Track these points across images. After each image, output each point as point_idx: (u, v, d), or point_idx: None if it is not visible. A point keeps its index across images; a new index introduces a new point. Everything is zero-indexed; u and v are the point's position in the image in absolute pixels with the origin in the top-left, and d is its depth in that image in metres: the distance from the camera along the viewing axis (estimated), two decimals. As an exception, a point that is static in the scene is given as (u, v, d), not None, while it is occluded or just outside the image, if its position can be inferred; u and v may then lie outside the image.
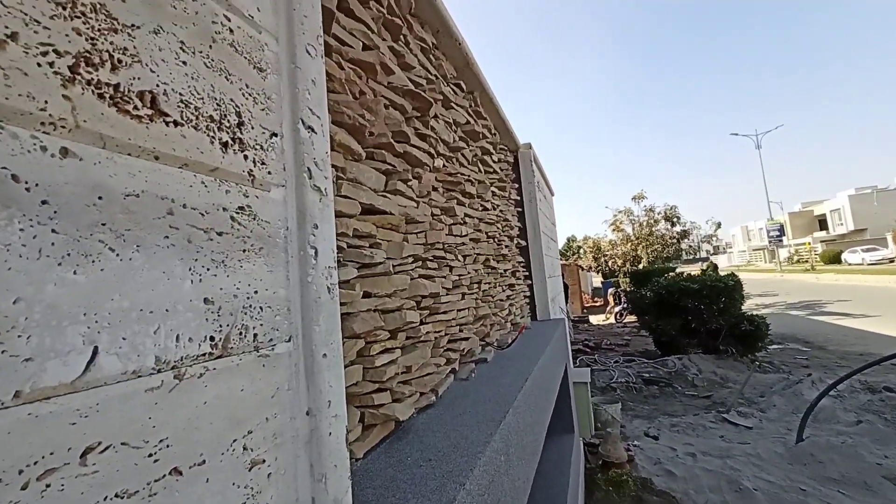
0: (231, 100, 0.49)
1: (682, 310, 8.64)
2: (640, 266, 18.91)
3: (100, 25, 0.36)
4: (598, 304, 22.14)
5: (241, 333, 0.47)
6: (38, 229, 0.31)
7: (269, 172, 0.54)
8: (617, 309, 16.73)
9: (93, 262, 0.34)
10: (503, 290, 2.49)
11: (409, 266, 1.26)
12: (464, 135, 2.08)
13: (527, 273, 3.26)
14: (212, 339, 0.44)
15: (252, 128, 0.52)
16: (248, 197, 0.50)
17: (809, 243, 37.11)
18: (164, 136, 0.41)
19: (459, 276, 1.70)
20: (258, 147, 0.52)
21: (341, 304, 0.89)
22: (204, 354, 0.43)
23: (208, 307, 0.43)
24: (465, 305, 1.73)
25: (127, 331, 0.36)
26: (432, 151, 1.58)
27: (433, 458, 0.90)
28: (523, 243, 3.24)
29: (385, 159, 1.19)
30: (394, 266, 1.14)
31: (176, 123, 0.42)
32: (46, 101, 0.32)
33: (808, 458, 4.72)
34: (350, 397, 0.92)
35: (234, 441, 0.47)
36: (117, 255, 0.36)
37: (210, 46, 0.47)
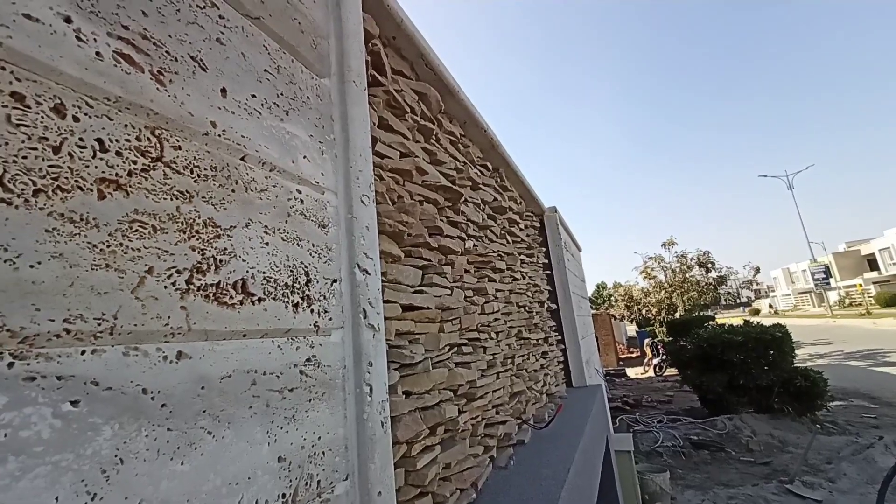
0: (301, 262, 0.56)
1: (727, 364, 8.12)
2: (677, 314, 18.11)
3: (208, 236, 0.44)
4: (634, 354, 21.12)
5: (307, 484, 0.51)
6: (157, 432, 0.36)
7: (331, 318, 0.60)
8: (655, 361, 15.87)
9: (195, 448, 0.39)
10: (536, 360, 2.45)
11: (446, 356, 1.29)
12: (492, 211, 2.16)
13: (559, 337, 3.20)
14: (283, 495, 0.48)
15: (317, 282, 0.58)
16: (313, 347, 0.56)
17: (861, 285, 34.80)
18: (251, 315, 0.47)
19: (493, 355, 1.70)
20: (322, 298, 0.59)
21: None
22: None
23: (281, 465, 0.48)
24: (500, 385, 1.71)
25: (218, 506, 0.41)
26: (463, 235, 1.66)
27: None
28: (554, 306, 3.22)
29: (421, 255, 1.26)
30: (432, 360, 1.17)
31: (260, 300, 0.49)
32: (169, 317, 0.39)
33: (893, 540, 4.15)
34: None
35: (298, 590, 0.49)
36: (213, 437, 0.41)
37: (286, 221, 0.55)
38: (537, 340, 2.47)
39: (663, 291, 19.21)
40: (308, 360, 0.54)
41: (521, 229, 2.76)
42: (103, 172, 0.36)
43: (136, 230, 0.38)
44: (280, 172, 0.57)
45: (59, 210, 0.32)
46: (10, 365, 0.28)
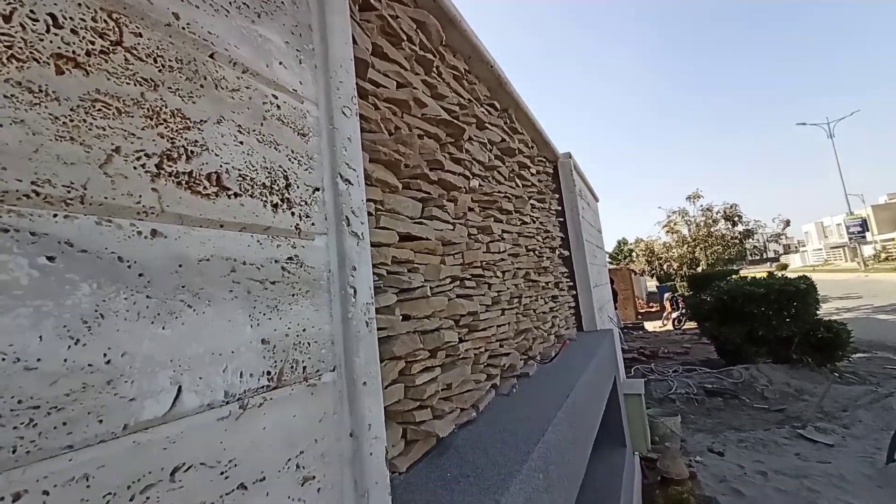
0: (280, 166, 0.57)
1: (746, 316, 8.03)
2: (699, 269, 17.79)
3: (177, 126, 0.46)
4: (653, 309, 21.08)
5: (292, 367, 0.54)
6: (137, 297, 0.40)
7: (313, 224, 0.61)
8: (674, 315, 15.84)
9: (176, 318, 0.43)
10: (545, 303, 2.48)
11: (447, 287, 1.32)
12: (499, 152, 2.12)
13: (571, 283, 3.22)
14: (269, 373, 0.51)
15: (297, 187, 0.60)
16: (295, 248, 0.58)
17: (899, 237, 33.17)
18: (227, 207, 0.49)
19: (498, 292, 1.73)
20: (303, 203, 0.60)
21: (382, 328, 0.96)
22: (263, 387, 0.51)
23: (265, 346, 0.51)
24: (505, 321, 1.76)
25: (202, 372, 0.44)
26: (467, 173, 1.64)
27: (471, 475, 0.94)
28: (566, 253, 3.21)
29: (420, 188, 1.26)
30: (432, 289, 1.20)
31: (236, 195, 0.51)
32: (141, 196, 0.41)
33: (902, 481, 4.22)
34: (392, 415, 0.98)
35: (289, 460, 0.54)
36: (194, 310, 0.44)
37: (261, 124, 0.56)
38: (546, 284, 2.49)
39: (686, 246, 18.78)
40: (290, 258, 0.57)
41: (532, 174, 2.71)
42: (59, 48, 0.37)
43: (100, 110, 0.39)
44: (254, 75, 0.57)
45: (15, 78, 0.34)
46: (-18, 213, 0.31)
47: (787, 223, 18.81)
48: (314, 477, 0.56)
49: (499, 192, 1.97)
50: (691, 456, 5.41)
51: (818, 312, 7.90)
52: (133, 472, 0.38)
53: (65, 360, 0.34)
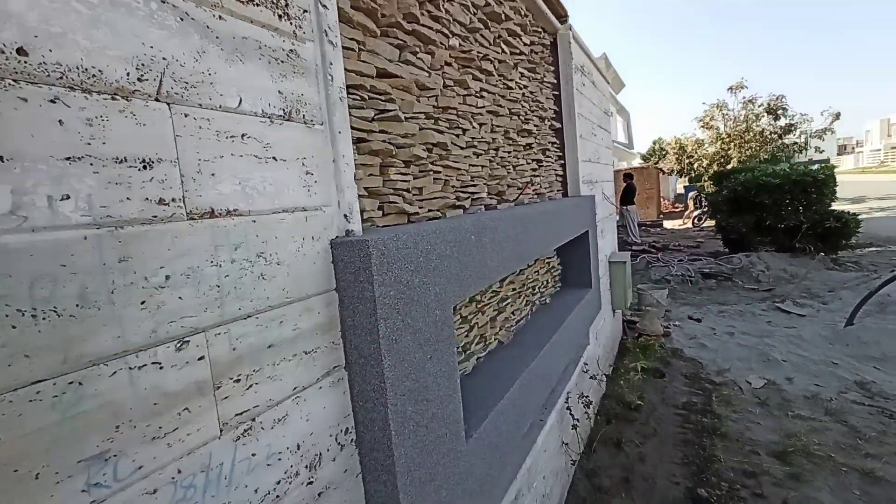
0: (280, -9, 0.97)
1: (757, 206, 8.16)
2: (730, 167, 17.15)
3: (223, -42, 0.85)
4: (678, 209, 20.91)
5: (297, 112, 1.00)
6: (211, 47, 0.83)
7: (304, 32, 1.02)
8: (696, 213, 15.82)
9: (234, 65, 0.87)
10: (527, 164, 2.86)
11: (421, 120, 1.72)
12: (484, 16, 2.34)
13: (560, 154, 3.54)
14: (284, 110, 0.97)
15: (293, 6, 0.99)
16: (294, 45, 1.00)
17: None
18: (255, 9, 0.90)
19: (472, 138, 2.13)
20: (297, 18, 1.00)
21: (362, 131, 1.39)
22: (280, 115, 0.97)
23: (281, 95, 0.96)
24: (479, 163, 2.18)
25: (252, 94, 0.90)
26: (445, 31, 1.93)
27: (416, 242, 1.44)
28: (558, 125, 3.48)
29: (397, 36, 1.60)
30: (406, 117, 1.61)
31: (257, 4, 0.91)
32: (212, -5, 0.83)
33: (853, 339, 4.80)
34: (372, 194, 1.47)
35: (303, 162, 1.02)
36: (243, 63, 0.88)
37: (267, -39, 0.94)
38: (528, 145, 2.84)
39: (720, 142, 17.87)
40: (292, 50, 0.99)
41: (525, 44, 2.89)
42: None
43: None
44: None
45: None
46: None
47: (837, 116, 17.20)
48: (313, 174, 1.05)
49: (480, 53, 2.25)
50: (672, 321, 6.09)
51: (832, 204, 7.92)
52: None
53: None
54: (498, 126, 2.43)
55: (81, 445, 0.65)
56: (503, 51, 2.56)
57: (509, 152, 2.56)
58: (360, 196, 1.36)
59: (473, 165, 2.13)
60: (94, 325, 0.66)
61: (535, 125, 2.99)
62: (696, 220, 15.55)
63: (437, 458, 1.30)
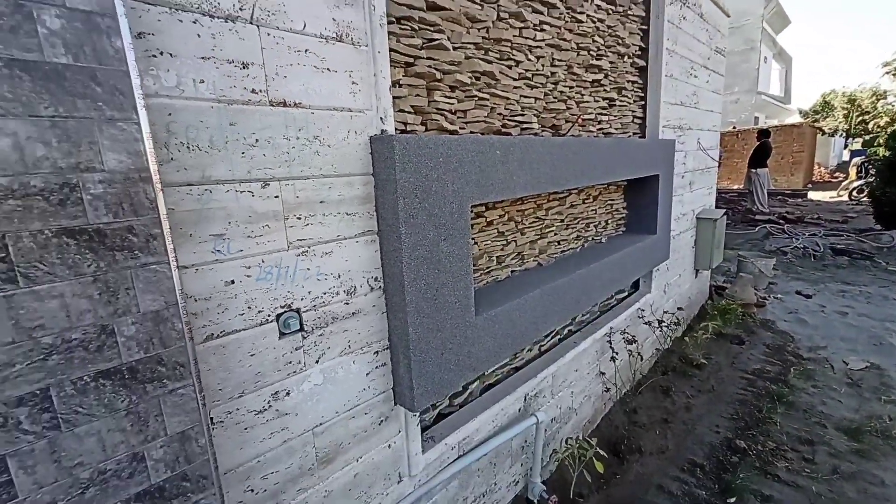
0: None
1: (930, 173, 6.55)
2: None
3: (297, -78, 1.23)
4: (836, 179, 17.32)
5: (347, 35, 1.38)
6: (291, -13, 1.24)
7: (356, -27, 1.37)
8: (856, 184, 13.05)
9: (303, -1, 1.27)
10: (595, 101, 2.91)
11: (470, 50, 1.98)
12: (553, -53, 2.40)
13: (641, 95, 3.44)
14: (337, 33, 1.36)
15: (348, -47, 1.35)
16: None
17: None
18: (317, -41, 1.28)
19: (526, 70, 2.30)
20: (351, -38, 1.36)
21: (409, 57, 1.71)
22: (332, 37, 1.35)
23: (336, 22, 1.34)
24: (532, 95, 2.36)
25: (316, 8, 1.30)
26: (504, -35, 2.10)
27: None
28: (642, 63, 3.36)
29: (451, -27, 1.85)
30: (454, 46, 1.89)
31: (320, -46, 1.29)
32: (289, -50, 1.22)
33: None
34: (417, 111, 1.81)
35: (348, 73, 1.41)
36: (309, -2, 1.28)
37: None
38: (596, 81, 2.87)
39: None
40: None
41: (606, -26, 2.84)
42: None
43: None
44: None
45: None
46: None
47: None
48: (357, 84, 1.44)
49: (543, -14, 2.35)
50: (774, 293, 5.56)
51: None
52: (296, 46, 1.28)
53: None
54: (560, 60, 2.54)
55: (210, 225, 1.16)
56: (574, -18, 2.59)
57: (571, 87, 2.66)
58: (405, 111, 1.73)
59: (526, 97, 2.33)
60: (216, 160, 1.16)
61: (609, 62, 2.98)
62: (854, 193, 12.88)
63: (445, 316, 1.70)
